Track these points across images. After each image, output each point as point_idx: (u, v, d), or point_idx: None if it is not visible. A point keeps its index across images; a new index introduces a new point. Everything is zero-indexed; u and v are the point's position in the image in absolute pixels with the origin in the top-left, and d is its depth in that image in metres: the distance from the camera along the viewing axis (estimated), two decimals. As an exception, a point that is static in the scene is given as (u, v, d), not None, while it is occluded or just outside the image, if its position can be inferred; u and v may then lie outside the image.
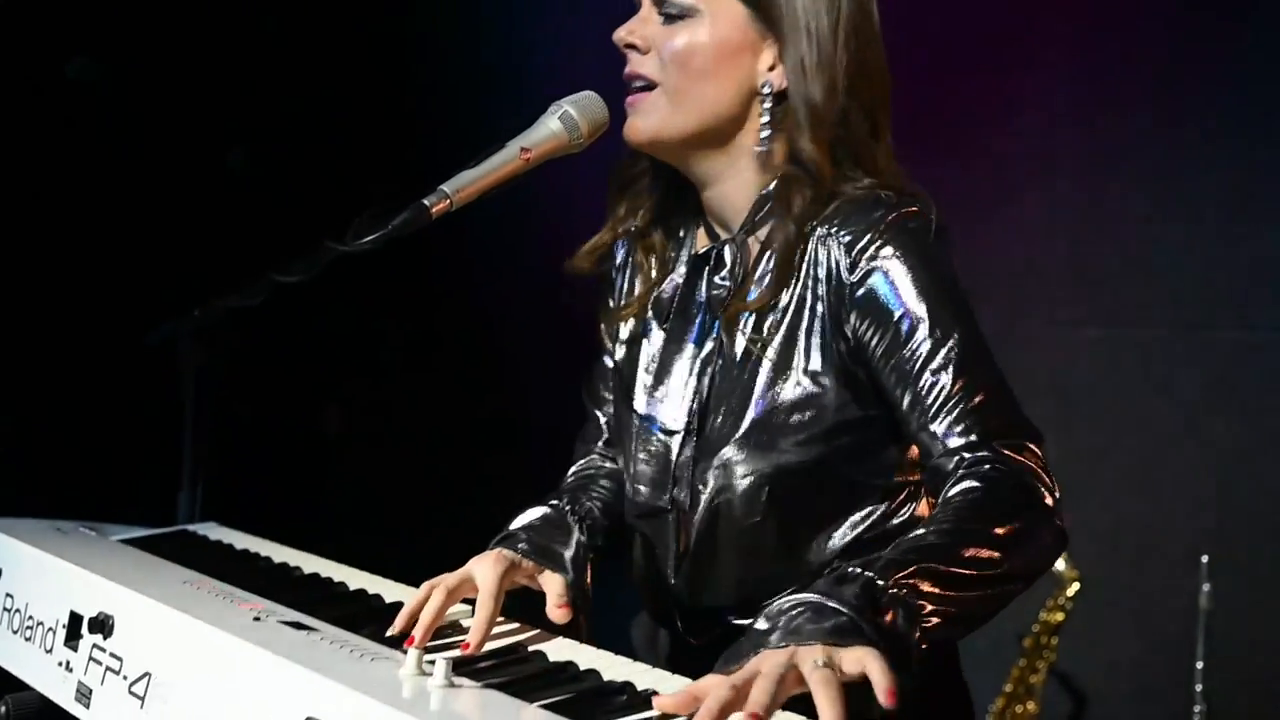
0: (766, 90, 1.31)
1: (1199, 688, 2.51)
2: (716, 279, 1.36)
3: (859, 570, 1.02)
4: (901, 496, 1.33)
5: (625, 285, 1.47)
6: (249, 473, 2.28)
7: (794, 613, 0.98)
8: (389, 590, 1.36)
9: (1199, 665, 2.51)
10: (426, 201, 1.23)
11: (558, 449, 1.63)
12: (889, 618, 0.98)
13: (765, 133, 1.31)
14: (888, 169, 1.34)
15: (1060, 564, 2.73)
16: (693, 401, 1.35)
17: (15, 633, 1.37)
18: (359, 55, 4.32)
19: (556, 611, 1.25)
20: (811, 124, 1.28)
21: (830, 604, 0.97)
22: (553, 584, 1.28)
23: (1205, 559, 2.51)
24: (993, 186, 3.23)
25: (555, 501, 1.40)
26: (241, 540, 1.61)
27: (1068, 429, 3.14)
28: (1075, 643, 2.94)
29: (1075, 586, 2.72)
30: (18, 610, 1.38)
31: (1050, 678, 2.89)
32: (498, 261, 3.60)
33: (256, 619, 1.15)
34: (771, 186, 1.33)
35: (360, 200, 1.32)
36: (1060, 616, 2.73)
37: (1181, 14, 2.92)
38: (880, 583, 1.00)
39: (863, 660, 0.94)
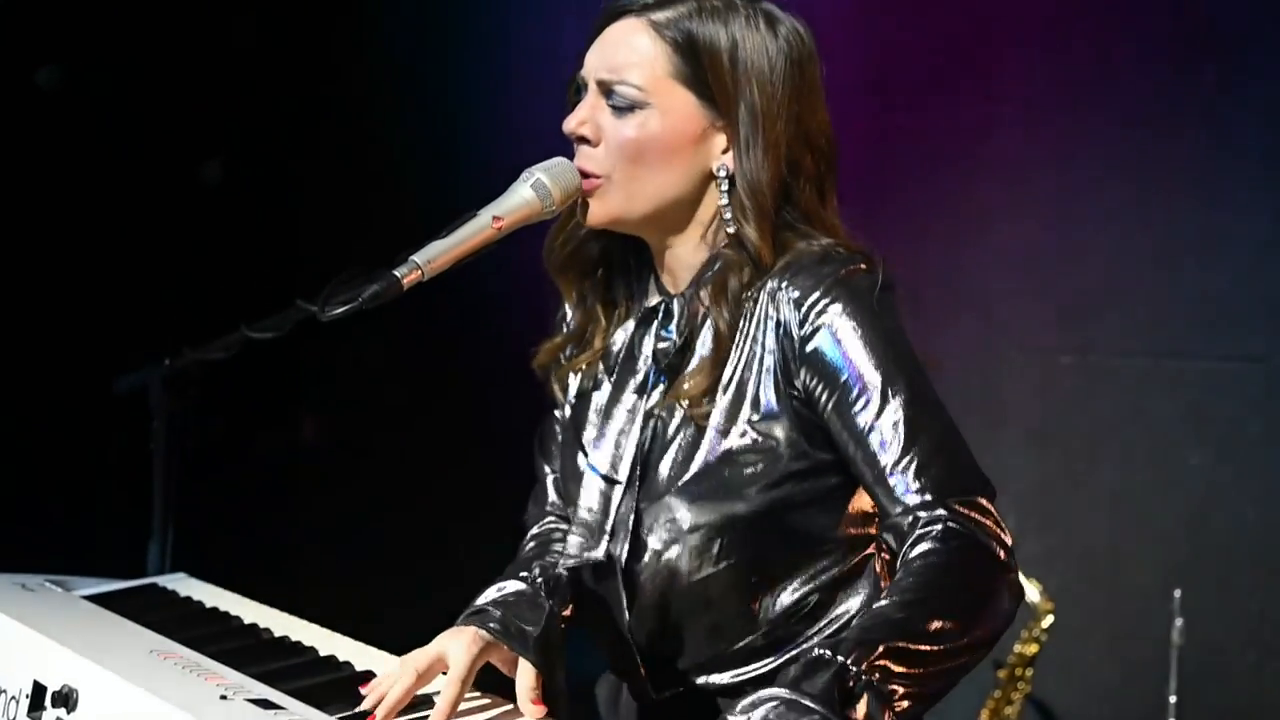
0: (723, 174, 1.32)
1: (1172, 721, 2.53)
2: (663, 332, 1.36)
3: (829, 654, 1.03)
4: (856, 548, 1.34)
5: (571, 333, 1.46)
6: (218, 515, 2.26)
7: (767, 709, 0.98)
8: (358, 656, 1.35)
9: (1172, 699, 2.52)
10: (398, 273, 1.22)
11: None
12: (862, 708, 1.00)
13: (727, 213, 1.32)
14: (838, 227, 1.35)
15: (1035, 596, 2.74)
16: (635, 452, 1.34)
17: (-23, 700, 1.35)
18: (334, 69, 4.31)
19: (529, 707, 1.25)
20: (755, 207, 1.30)
21: (804, 701, 0.98)
22: (525, 675, 1.27)
23: (1178, 594, 2.53)
24: (968, 213, 3.24)
25: (525, 573, 1.39)
26: (211, 596, 1.60)
27: (1042, 455, 3.16)
28: (1051, 669, 2.95)
29: (1049, 619, 2.73)
30: (-20, 676, 1.36)
31: (1027, 706, 2.91)
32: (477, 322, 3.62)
33: (224, 697, 1.14)
34: (719, 255, 1.34)
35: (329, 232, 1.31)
36: (1035, 648, 2.74)
37: (1157, 49, 2.94)
38: (851, 668, 1.01)
39: None
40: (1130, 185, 2.99)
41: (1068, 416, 3.10)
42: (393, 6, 4.61)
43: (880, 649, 1.05)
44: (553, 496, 1.50)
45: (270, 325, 1.53)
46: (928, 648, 1.07)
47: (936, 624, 1.09)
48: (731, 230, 1.32)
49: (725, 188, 1.32)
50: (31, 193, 3.17)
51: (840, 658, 1.03)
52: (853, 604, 1.32)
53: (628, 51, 1.31)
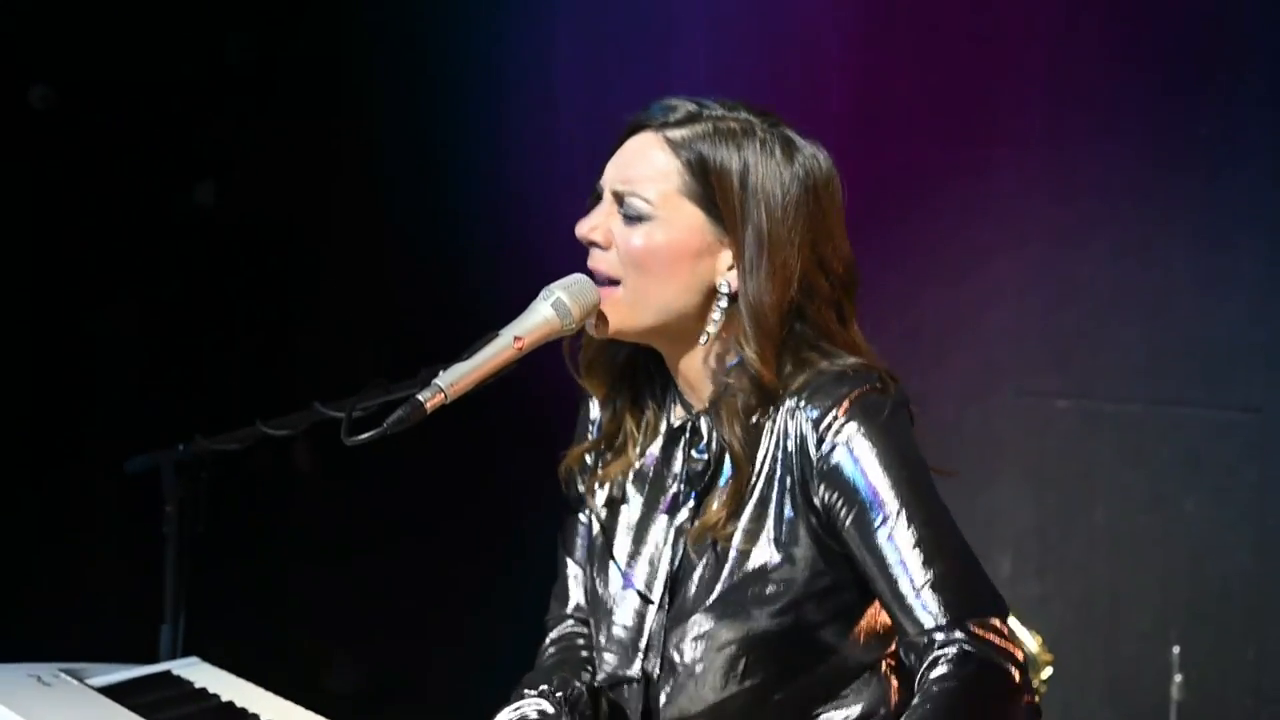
0: (724, 290, 1.33)
1: (1172, 775, 2.55)
2: (693, 452, 1.39)
3: None
4: (872, 659, 1.37)
5: (598, 439, 1.48)
6: (229, 596, 2.26)
7: None
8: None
9: (1172, 753, 2.55)
10: (421, 397, 1.24)
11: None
12: None
13: (713, 329, 1.35)
14: (859, 345, 1.37)
15: (1034, 646, 2.76)
16: (667, 571, 1.37)
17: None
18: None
19: None
20: (756, 327, 1.32)
21: None
22: None
23: (1177, 650, 2.55)
24: (965, 253, 3.26)
25: (545, 686, 1.40)
26: (226, 687, 1.61)
27: (1039, 497, 3.18)
28: (1049, 713, 2.97)
29: (1048, 670, 2.74)
30: (0, 781, 1.37)
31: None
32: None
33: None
34: (728, 378, 1.36)
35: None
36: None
37: (1156, 90, 2.96)
38: None
39: None
40: (1127, 229, 3.02)
41: (1065, 459, 3.12)
42: (386, 45, 4.65)
43: None
44: (576, 598, 1.52)
45: (286, 424, 1.55)
46: None
47: None
48: (730, 350, 1.35)
49: (723, 304, 1.34)
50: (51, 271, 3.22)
51: None
52: (865, 710, 1.34)
53: (642, 165, 1.34)
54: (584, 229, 1.37)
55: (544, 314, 1.33)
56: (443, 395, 1.26)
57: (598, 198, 1.39)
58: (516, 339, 1.30)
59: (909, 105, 3.37)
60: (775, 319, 1.33)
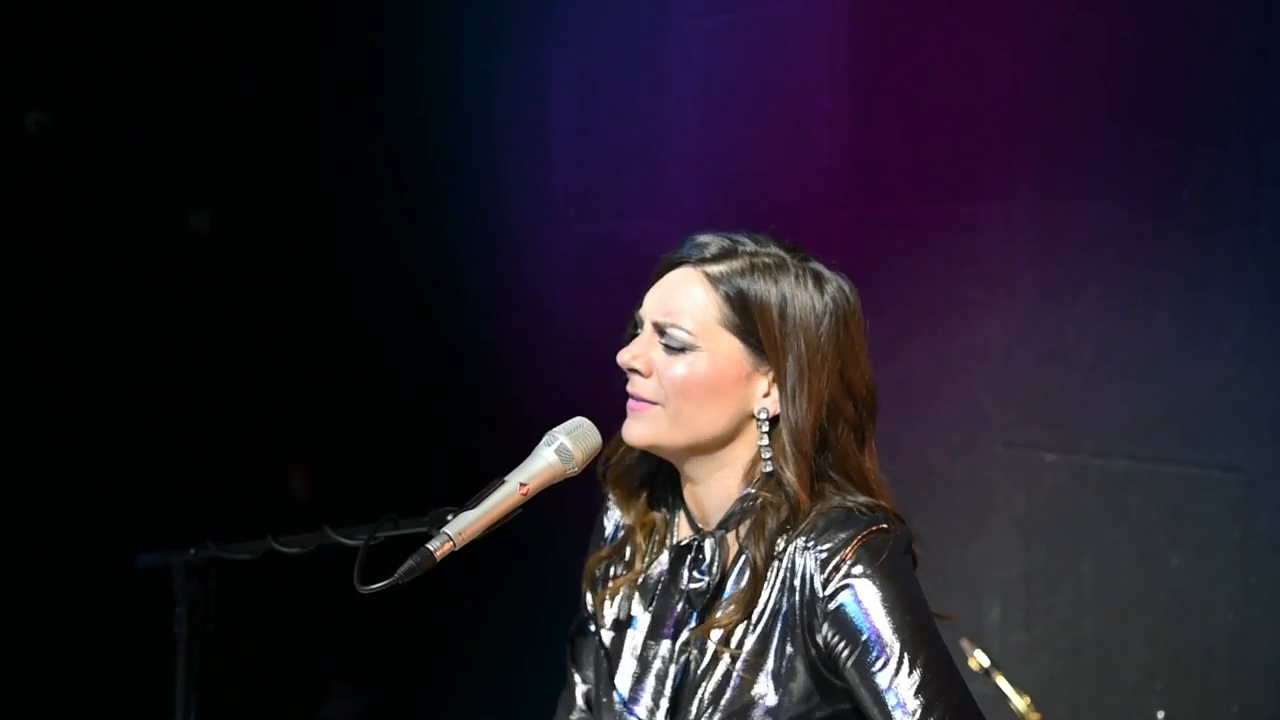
0: (763, 415, 1.39)
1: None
2: (696, 573, 1.45)
3: None
4: None
5: (614, 547, 1.54)
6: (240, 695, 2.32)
7: None
8: None
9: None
10: (430, 547, 1.30)
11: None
12: None
13: (766, 454, 1.39)
14: (871, 474, 1.43)
15: (1021, 706, 2.82)
16: (669, 691, 1.42)
17: None
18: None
19: None
20: (796, 450, 1.38)
21: None
22: None
23: (1161, 715, 2.62)
24: (954, 308, 3.33)
25: None
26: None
27: (1028, 548, 3.24)
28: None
29: (1036, 726, 2.81)
30: None
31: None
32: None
33: None
34: (752, 493, 1.41)
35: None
36: (1021, 753, 2.82)
37: (1141, 154, 3.02)
38: None
39: None
40: (1113, 290, 3.08)
41: (1053, 512, 3.19)
42: (381, 84, 4.71)
43: None
44: (580, 708, 1.58)
45: (295, 542, 1.61)
46: None
47: None
48: (769, 470, 1.40)
49: (766, 429, 1.40)
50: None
51: None
52: None
53: (683, 299, 1.41)
54: (626, 358, 1.44)
55: (548, 459, 1.39)
56: (451, 544, 1.32)
57: (635, 326, 1.45)
58: (522, 485, 1.37)
59: (899, 161, 3.44)
60: (810, 443, 1.40)
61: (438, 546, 1.31)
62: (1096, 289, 3.10)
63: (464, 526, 1.33)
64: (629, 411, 1.45)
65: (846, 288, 1.46)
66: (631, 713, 1.46)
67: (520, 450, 3.18)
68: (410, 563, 1.29)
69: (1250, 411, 2.85)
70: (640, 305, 1.48)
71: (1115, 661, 3.04)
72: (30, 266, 3.79)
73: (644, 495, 1.54)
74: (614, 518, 1.59)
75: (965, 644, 2.93)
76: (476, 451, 3.78)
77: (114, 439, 3.85)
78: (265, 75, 4.93)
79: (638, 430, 1.44)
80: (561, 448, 1.40)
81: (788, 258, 1.45)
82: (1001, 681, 2.87)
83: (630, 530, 1.54)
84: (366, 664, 4.11)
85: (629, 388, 1.45)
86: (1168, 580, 2.97)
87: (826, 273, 1.46)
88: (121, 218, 4.25)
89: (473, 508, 1.34)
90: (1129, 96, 3.03)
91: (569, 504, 1.77)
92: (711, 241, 1.45)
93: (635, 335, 1.47)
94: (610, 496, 1.55)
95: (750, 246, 1.45)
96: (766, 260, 1.43)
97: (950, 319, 3.34)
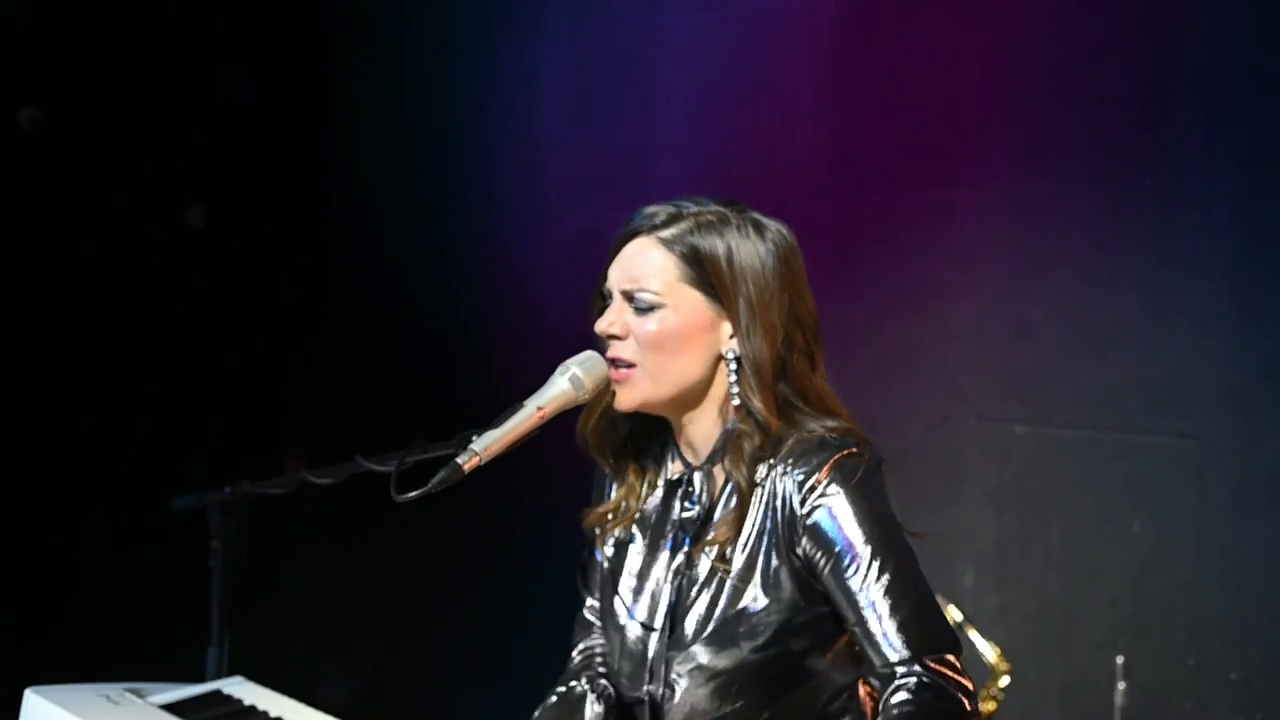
0: (730, 355, 1.56)
1: (1117, 775, 2.79)
2: (687, 503, 1.62)
3: None
4: (845, 682, 1.59)
5: (612, 494, 1.71)
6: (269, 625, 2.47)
7: None
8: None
9: (1115, 755, 2.79)
10: (459, 460, 1.46)
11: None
12: None
13: (735, 389, 1.56)
14: (827, 393, 1.59)
15: (992, 657, 3.00)
16: (667, 605, 1.59)
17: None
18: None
19: None
20: (758, 381, 1.55)
21: None
22: None
23: (1120, 660, 2.79)
24: (930, 290, 3.51)
25: (575, 683, 1.64)
26: (271, 703, 1.83)
27: (999, 517, 3.42)
28: (1008, 716, 3.21)
29: (1006, 679, 2.98)
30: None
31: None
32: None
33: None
34: (730, 427, 1.58)
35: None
36: (993, 706, 2.99)
37: (1106, 143, 3.21)
38: None
39: None
40: (1078, 272, 3.26)
41: (1022, 482, 3.36)
42: (375, 81, 4.86)
43: None
44: (595, 621, 1.76)
45: (328, 473, 1.77)
46: None
47: None
48: (738, 403, 1.56)
49: (734, 367, 1.56)
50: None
51: None
52: None
53: (644, 264, 1.57)
54: (603, 325, 1.60)
55: (561, 386, 1.56)
56: (478, 458, 1.48)
57: (602, 299, 1.62)
58: (539, 409, 1.54)
59: (878, 152, 3.61)
60: (770, 373, 1.56)
61: (465, 460, 1.47)
62: (1064, 271, 3.28)
63: (488, 444, 1.49)
64: (614, 383, 1.61)
65: (785, 230, 1.63)
66: (633, 616, 1.62)
67: (529, 474, 3.34)
68: (442, 474, 1.45)
69: (1205, 383, 3.04)
70: (604, 280, 1.63)
71: (1080, 621, 3.21)
72: (23, 261, 3.93)
73: (630, 448, 1.70)
74: (608, 474, 1.74)
75: (939, 599, 3.10)
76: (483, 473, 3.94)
77: (109, 433, 3.97)
78: (262, 73, 5.08)
79: (627, 396, 1.60)
80: (574, 376, 1.57)
81: (728, 212, 1.61)
82: (973, 634, 3.05)
83: (625, 484, 1.69)
84: (360, 644, 4.26)
85: (609, 354, 1.60)
86: (1129, 543, 3.15)
87: (764, 220, 1.62)
88: (117, 213, 4.38)
89: (495, 428, 1.50)
90: (1094, 89, 3.22)
91: (561, 491, 1.93)
92: (659, 210, 1.61)
93: (604, 307, 1.63)
94: (598, 461, 1.71)
95: (693, 208, 1.61)
96: (709, 217, 1.59)
97: (926, 301, 3.51)
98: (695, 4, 4.01)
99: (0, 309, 3.59)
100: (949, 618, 2.94)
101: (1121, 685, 2.79)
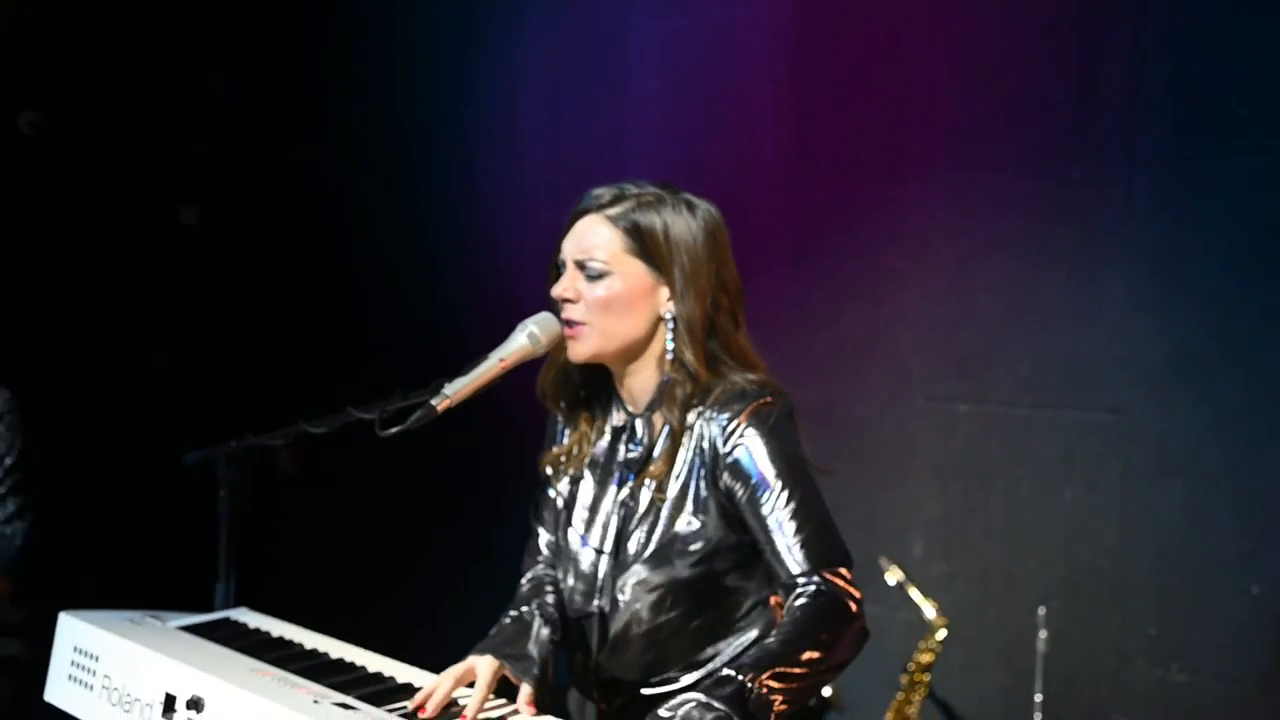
0: (668, 316, 1.81)
1: (1039, 717, 3.04)
2: (630, 445, 1.87)
3: (733, 674, 1.54)
4: (759, 597, 1.85)
5: (564, 439, 1.96)
6: (267, 564, 2.71)
7: (688, 707, 1.48)
8: (399, 671, 1.84)
9: (1038, 698, 3.04)
10: (433, 401, 1.71)
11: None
12: (752, 709, 1.49)
13: (670, 345, 1.81)
14: (748, 349, 1.86)
15: (931, 613, 3.26)
16: (614, 531, 1.84)
17: (115, 705, 1.82)
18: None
19: (525, 709, 1.75)
20: (690, 338, 1.81)
21: (714, 703, 1.48)
22: (524, 691, 1.77)
23: (1042, 611, 3.05)
24: (881, 279, 3.77)
25: (525, 608, 1.88)
26: (273, 626, 2.07)
27: (945, 491, 3.67)
28: (953, 674, 3.47)
29: (943, 632, 3.24)
30: (116, 689, 1.83)
31: (932, 706, 3.43)
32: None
33: (315, 702, 1.62)
34: (666, 379, 1.83)
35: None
36: (930, 657, 3.25)
37: (1038, 139, 3.46)
38: (748, 685, 1.52)
39: None
40: (1015, 260, 3.51)
41: (966, 457, 3.61)
42: (360, 82, 5.08)
43: (767, 672, 1.56)
44: (544, 551, 1.99)
45: (323, 423, 2.01)
46: (799, 670, 1.59)
47: (806, 655, 1.61)
48: (672, 357, 1.82)
49: (671, 326, 1.82)
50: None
51: (740, 676, 1.54)
52: (752, 635, 1.82)
53: (593, 238, 1.82)
54: (558, 290, 1.85)
55: (520, 341, 1.81)
56: (449, 400, 1.73)
57: (557, 269, 1.86)
58: (501, 359, 1.79)
59: (833, 150, 3.87)
60: (701, 330, 1.81)
61: (438, 402, 1.73)
62: (1002, 260, 3.54)
63: (457, 389, 1.75)
64: (567, 339, 1.85)
65: (713, 210, 1.88)
66: (585, 543, 1.87)
67: (493, 429, 3.58)
68: (419, 414, 1.71)
69: (1130, 362, 3.29)
70: (559, 252, 1.88)
71: (1018, 585, 3.47)
72: (25, 259, 4.15)
73: (581, 398, 1.95)
74: (560, 423, 1.99)
75: (883, 561, 3.36)
76: (453, 430, 4.18)
77: (108, 427, 4.20)
78: (250, 75, 5.31)
79: (579, 349, 1.85)
80: (531, 333, 1.83)
81: (664, 193, 1.86)
82: (914, 592, 3.31)
83: (576, 428, 1.94)
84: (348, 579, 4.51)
85: (564, 314, 1.85)
86: (1062, 511, 3.41)
87: (695, 200, 1.88)
88: (114, 212, 4.59)
89: (463, 376, 1.76)
90: (1028, 89, 3.48)
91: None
92: (605, 192, 1.86)
93: (558, 276, 1.88)
94: (551, 409, 1.95)
95: (634, 190, 1.86)
96: (649, 197, 1.84)
97: (878, 289, 3.77)
98: (665, 10, 4.26)
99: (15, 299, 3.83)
100: (891, 574, 3.21)
101: (1043, 633, 3.04)
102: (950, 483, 3.64)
